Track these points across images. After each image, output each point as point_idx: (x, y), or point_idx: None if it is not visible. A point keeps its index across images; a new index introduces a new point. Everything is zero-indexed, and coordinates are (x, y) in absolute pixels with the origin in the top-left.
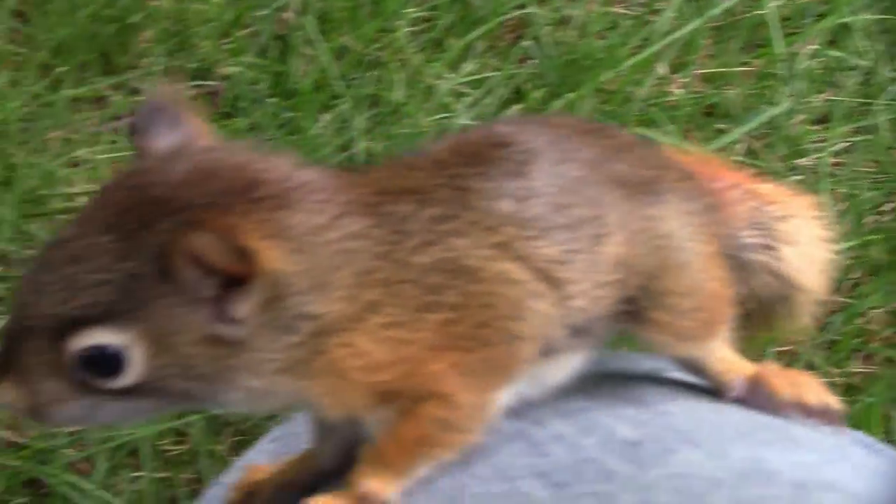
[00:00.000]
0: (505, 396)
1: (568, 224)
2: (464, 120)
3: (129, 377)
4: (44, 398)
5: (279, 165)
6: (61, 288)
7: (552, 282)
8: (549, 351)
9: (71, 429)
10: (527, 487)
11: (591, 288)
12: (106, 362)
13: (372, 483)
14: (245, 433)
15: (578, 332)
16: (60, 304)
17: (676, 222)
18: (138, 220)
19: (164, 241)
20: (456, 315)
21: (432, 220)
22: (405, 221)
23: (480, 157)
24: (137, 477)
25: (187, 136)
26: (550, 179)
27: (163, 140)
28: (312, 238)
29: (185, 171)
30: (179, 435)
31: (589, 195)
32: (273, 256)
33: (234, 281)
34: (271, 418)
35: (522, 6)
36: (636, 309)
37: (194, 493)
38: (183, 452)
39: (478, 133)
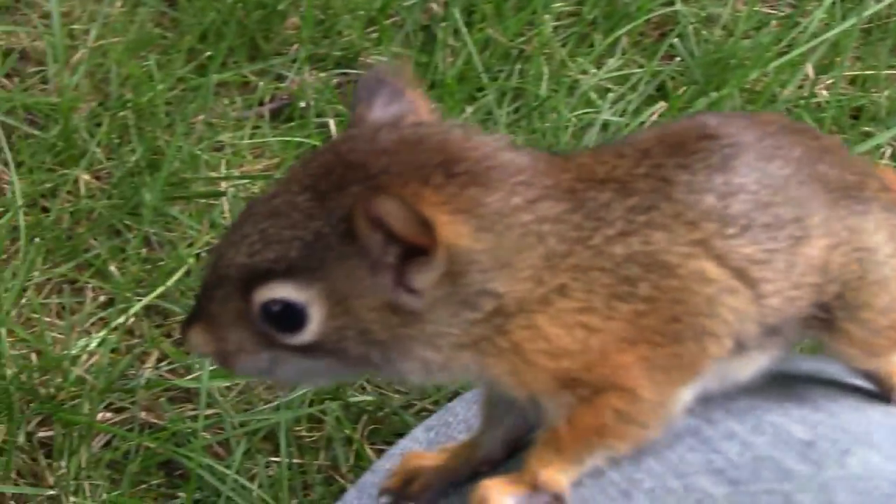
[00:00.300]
0: (690, 393)
1: (769, 223)
2: (607, 116)
3: (308, 334)
4: (230, 346)
5: (486, 144)
6: (255, 241)
7: (748, 280)
8: (740, 348)
9: (207, 412)
10: (702, 484)
11: (787, 288)
12: (287, 317)
13: (547, 471)
14: (380, 422)
15: (771, 332)
16: (251, 255)
17: (881, 236)
18: (333, 182)
19: (351, 203)
20: (648, 307)
21: (632, 210)
22: (604, 209)
23: (685, 148)
24: (272, 462)
25: (405, 109)
26: (755, 176)
27: (380, 111)
28: (504, 218)
29: (389, 141)
30: (315, 421)
31: (793, 195)
32: (457, 231)
33: (416, 251)
34: (408, 407)
35: (670, 3)
36: (830, 318)
37: (328, 480)
38: (318, 439)
39: (683, 124)
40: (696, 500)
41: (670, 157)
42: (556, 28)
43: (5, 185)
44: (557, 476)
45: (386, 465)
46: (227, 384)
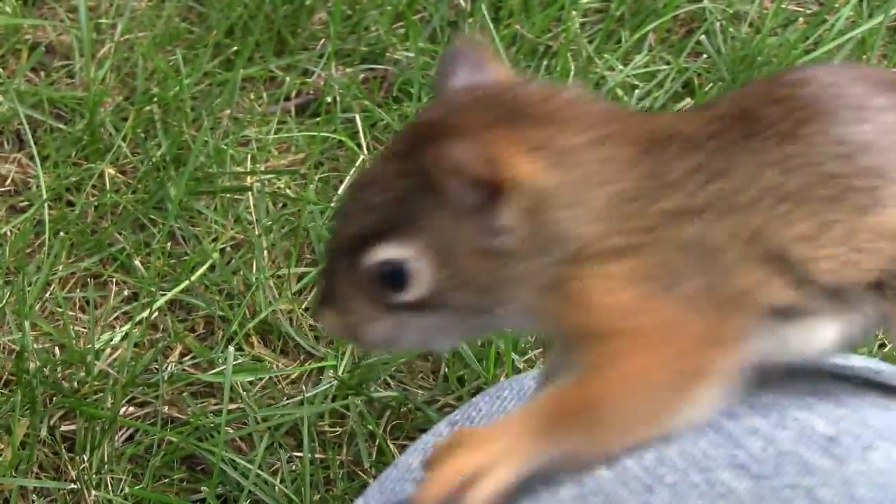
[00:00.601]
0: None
1: (831, 195)
2: None
3: (417, 288)
4: (355, 318)
5: (558, 92)
6: (356, 211)
7: (794, 262)
8: (791, 312)
9: (230, 407)
10: (724, 478)
11: (844, 252)
12: (396, 274)
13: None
14: (403, 417)
15: (831, 295)
16: (355, 225)
17: None
18: (414, 143)
19: (429, 155)
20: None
21: (696, 172)
22: (673, 162)
23: (754, 116)
24: (294, 457)
25: (485, 76)
26: (826, 146)
27: (460, 80)
28: (574, 154)
29: (465, 100)
30: (338, 417)
31: (868, 163)
32: (529, 167)
33: (496, 191)
34: (431, 403)
35: (698, 0)
36: None
37: (351, 476)
38: (341, 434)
39: (761, 86)
40: (718, 495)
41: (740, 126)
42: (583, 24)
43: (30, 179)
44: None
45: (409, 460)
46: (251, 379)
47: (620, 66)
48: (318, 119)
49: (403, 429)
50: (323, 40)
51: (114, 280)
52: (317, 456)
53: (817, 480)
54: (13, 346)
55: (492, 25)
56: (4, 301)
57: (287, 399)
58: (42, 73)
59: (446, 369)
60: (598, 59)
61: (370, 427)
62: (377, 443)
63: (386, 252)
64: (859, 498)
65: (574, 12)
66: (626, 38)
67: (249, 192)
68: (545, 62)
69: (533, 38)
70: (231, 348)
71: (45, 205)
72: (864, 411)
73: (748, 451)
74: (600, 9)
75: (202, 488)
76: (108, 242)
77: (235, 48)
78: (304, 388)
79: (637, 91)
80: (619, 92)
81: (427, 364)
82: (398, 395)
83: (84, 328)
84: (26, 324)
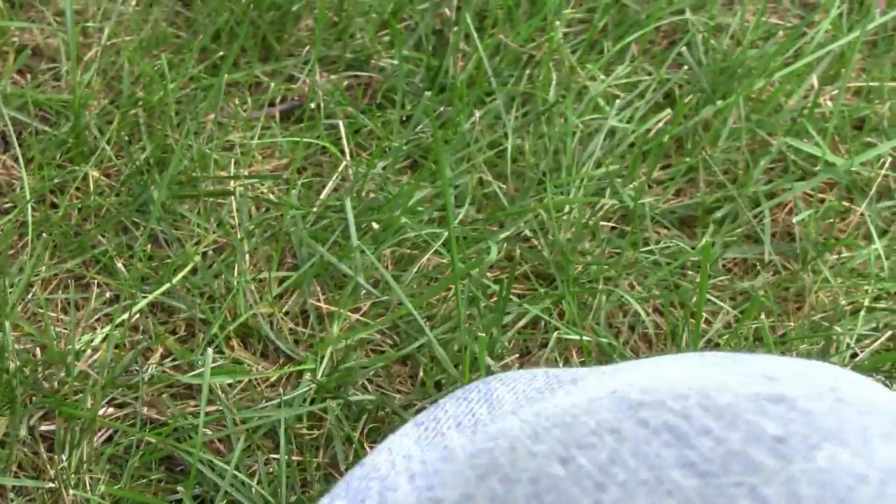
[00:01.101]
0: None
1: None
2: (614, 122)
3: None
4: None
5: None
6: None
7: None
8: None
9: (209, 408)
10: (673, 476)
11: None
12: None
13: None
14: (380, 421)
15: None
16: None
17: None
18: None
19: None
20: None
21: None
22: None
23: None
24: (272, 459)
25: None
26: None
27: None
28: None
29: None
30: (316, 419)
31: None
32: None
33: None
34: (408, 407)
35: (680, 12)
36: None
37: (327, 478)
38: (318, 437)
39: None
40: (666, 492)
41: None
42: (566, 34)
43: (14, 181)
44: None
45: (375, 459)
46: (230, 381)
47: (602, 77)
48: (301, 125)
49: (380, 432)
50: (308, 47)
51: (96, 282)
52: (294, 458)
53: (762, 478)
54: None
55: (475, 34)
56: None
57: (266, 401)
58: (28, 76)
59: (423, 374)
60: (580, 69)
61: (347, 430)
62: (354, 446)
63: None
64: (801, 495)
65: (558, 22)
66: (609, 49)
67: (232, 197)
68: (528, 71)
69: (517, 47)
70: (210, 350)
71: (29, 206)
72: (816, 415)
73: (699, 450)
74: (584, 19)
75: (179, 488)
76: (90, 244)
77: (221, 53)
78: (282, 391)
79: (618, 101)
80: (601, 102)
81: (405, 369)
82: (375, 399)
83: (65, 329)
84: (7, 324)
